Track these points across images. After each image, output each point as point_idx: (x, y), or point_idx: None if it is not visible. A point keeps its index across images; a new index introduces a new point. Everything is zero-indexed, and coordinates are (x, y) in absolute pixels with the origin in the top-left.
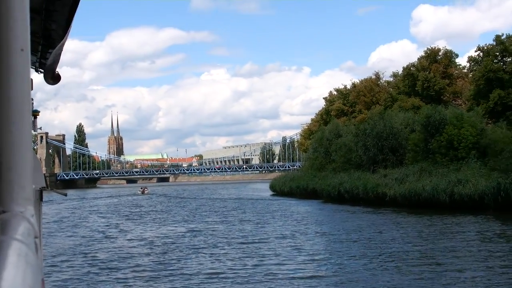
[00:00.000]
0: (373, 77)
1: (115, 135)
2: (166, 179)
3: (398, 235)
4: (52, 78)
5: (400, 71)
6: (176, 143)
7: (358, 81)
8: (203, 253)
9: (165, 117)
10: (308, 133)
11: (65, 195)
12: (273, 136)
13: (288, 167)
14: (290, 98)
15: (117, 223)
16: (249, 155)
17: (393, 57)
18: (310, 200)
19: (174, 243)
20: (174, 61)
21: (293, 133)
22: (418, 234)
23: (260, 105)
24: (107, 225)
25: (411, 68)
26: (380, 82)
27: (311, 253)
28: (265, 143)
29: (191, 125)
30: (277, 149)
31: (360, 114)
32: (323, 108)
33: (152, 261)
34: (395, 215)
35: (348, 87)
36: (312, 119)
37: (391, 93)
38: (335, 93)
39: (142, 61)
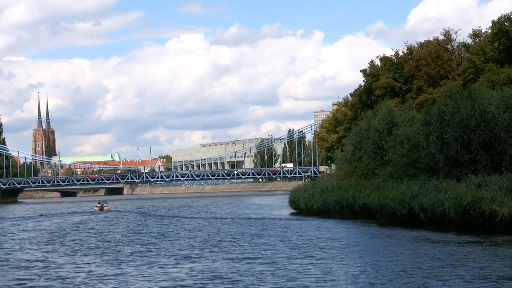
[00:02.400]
0: (441, 38)
1: (44, 127)
2: (118, 191)
3: None
4: None
5: (484, 28)
6: (131, 139)
7: (417, 45)
8: None
9: (115, 102)
10: (334, 123)
11: None
12: (270, 129)
13: (299, 173)
14: (294, 75)
15: (74, 263)
16: (240, 156)
17: (443, 15)
18: (358, 221)
19: None
20: (127, 22)
21: (302, 126)
22: None
23: (251, 85)
24: (54, 265)
25: (505, 23)
26: (452, 46)
27: None
28: (261, 140)
29: (152, 114)
30: (279, 148)
31: (421, 93)
32: (361, 87)
33: None
34: None
35: (401, 53)
36: (337, 104)
37: (474, 60)
38: (379, 63)
39: (82, 21)
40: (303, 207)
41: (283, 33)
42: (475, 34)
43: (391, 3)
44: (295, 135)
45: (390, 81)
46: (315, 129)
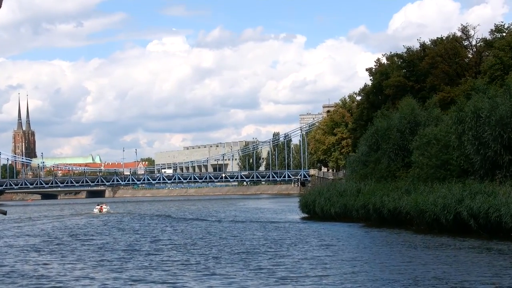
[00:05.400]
0: (459, 34)
1: (24, 128)
2: (99, 193)
3: None
4: None
5: (507, 23)
6: (110, 142)
7: (429, 42)
8: None
9: (95, 104)
10: (331, 125)
11: (5, 213)
12: (250, 133)
13: (288, 176)
14: (275, 78)
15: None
16: (227, 159)
17: (425, 20)
18: (389, 228)
19: None
20: (109, 24)
21: (283, 129)
22: None
23: (233, 88)
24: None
25: None
26: (470, 42)
27: None
28: (246, 143)
29: (133, 117)
30: (264, 152)
31: (438, 91)
32: (367, 86)
33: None
34: None
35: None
36: (333, 105)
37: (501, 56)
38: (385, 61)
39: (64, 23)
40: (318, 211)
41: (266, 37)
42: (498, 30)
43: (373, 8)
44: (282, 138)
45: (401, 80)
46: (304, 132)
